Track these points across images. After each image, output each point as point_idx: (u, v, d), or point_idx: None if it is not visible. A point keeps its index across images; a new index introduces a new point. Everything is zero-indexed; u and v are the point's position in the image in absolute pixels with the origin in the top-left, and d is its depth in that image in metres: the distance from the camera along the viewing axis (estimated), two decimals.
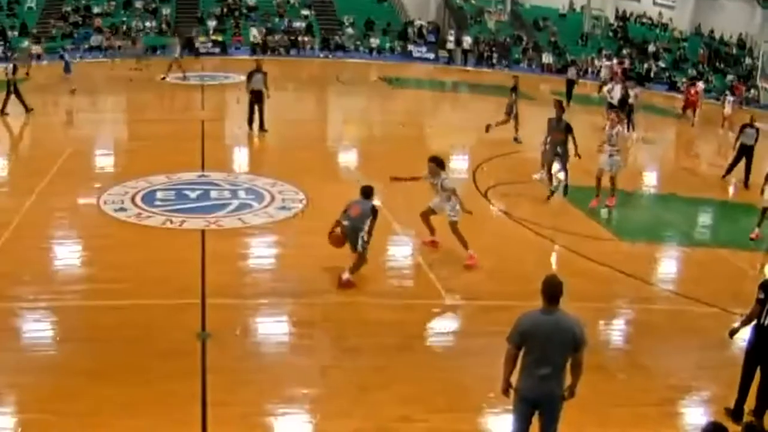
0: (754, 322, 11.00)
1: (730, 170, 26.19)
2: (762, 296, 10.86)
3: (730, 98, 39.37)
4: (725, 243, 18.38)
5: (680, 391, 12.07)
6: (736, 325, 11.58)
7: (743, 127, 27.03)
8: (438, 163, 16.35)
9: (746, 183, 25.58)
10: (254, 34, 52.91)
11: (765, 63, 52.21)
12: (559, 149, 21.18)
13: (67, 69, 37.66)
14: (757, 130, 26.64)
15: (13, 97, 29.79)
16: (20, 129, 29.32)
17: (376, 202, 15.50)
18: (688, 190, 24.45)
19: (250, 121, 27.76)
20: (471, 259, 16.19)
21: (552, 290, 8.66)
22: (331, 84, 43.40)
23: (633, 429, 10.76)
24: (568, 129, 21.18)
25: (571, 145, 21.20)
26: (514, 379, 8.91)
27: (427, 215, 16.80)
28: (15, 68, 30.54)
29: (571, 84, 40.06)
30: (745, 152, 26.13)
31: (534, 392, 8.76)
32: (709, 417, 10.46)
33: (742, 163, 25.86)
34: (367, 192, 15.30)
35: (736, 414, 11.02)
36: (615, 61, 51.53)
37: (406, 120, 33.83)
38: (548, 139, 21.49)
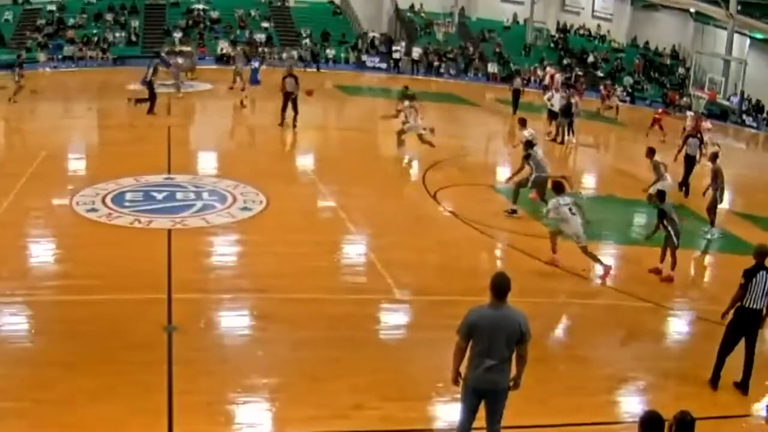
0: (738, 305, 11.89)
1: (685, 184, 25.74)
2: (744, 282, 11.74)
3: (690, 113, 39.32)
4: (658, 242, 18.66)
5: (617, 381, 12.24)
6: (726, 309, 12.20)
7: (687, 136, 27.45)
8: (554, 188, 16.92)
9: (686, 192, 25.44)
10: (222, 46, 52.65)
11: (697, 72, 52.87)
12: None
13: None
14: (701, 139, 26.96)
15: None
16: None
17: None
18: (626, 191, 24.70)
19: (283, 118, 30.23)
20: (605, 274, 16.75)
21: (500, 286, 8.72)
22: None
23: (574, 417, 10.84)
24: (529, 144, 21.18)
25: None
26: (462, 369, 8.97)
27: (555, 234, 16.95)
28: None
29: (517, 93, 40.18)
30: (689, 162, 26.28)
31: (481, 383, 8.81)
32: (645, 406, 10.61)
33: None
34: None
35: (714, 381, 12.08)
36: (550, 70, 51.78)
37: (360, 125, 33.91)
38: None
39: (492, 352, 8.68)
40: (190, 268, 15.30)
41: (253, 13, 56.40)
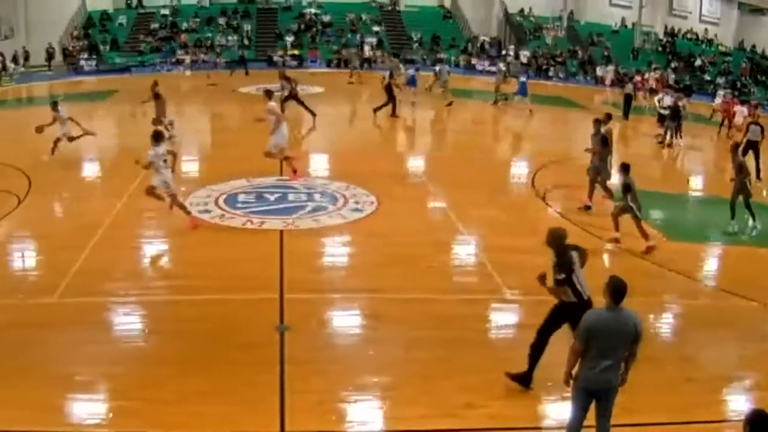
0: None
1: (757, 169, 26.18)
2: None
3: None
4: (765, 242, 17.91)
5: (724, 380, 11.82)
6: None
7: (749, 124, 28.26)
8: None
9: (759, 176, 25.75)
10: (366, 51, 53.29)
11: None
12: (597, 162, 20.57)
13: None
14: (762, 127, 27.45)
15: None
16: (111, 136, 29.69)
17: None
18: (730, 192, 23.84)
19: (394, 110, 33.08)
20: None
21: (617, 289, 8.64)
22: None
23: (681, 415, 10.53)
24: (604, 142, 20.63)
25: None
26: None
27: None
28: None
29: (628, 99, 39.49)
30: (752, 147, 26.71)
31: (595, 383, 8.73)
32: (751, 404, 10.34)
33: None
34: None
35: None
36: (654, 74, 50.68)
37: (470, 127, 33.72)
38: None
39: (609, 353, 8.63)
40: (302, 268, 15.31)
41: (364, 17, 56.72)
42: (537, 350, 10.86)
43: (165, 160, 17.47)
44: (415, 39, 55.59)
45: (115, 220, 18.04)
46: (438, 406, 10.36)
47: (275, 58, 51.83)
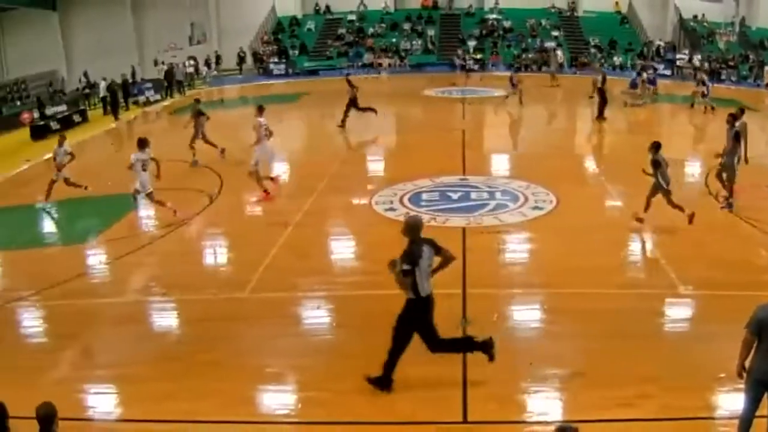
0: None
1: None
2: None
3: None
4: None
5: None
6: None
7: None
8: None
9: None
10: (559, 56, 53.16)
11: None
12: (726, 159, 19.67)
13: None
14: None
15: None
16: (300, 137, 30.50)
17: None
18: None
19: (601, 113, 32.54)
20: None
21: None
22: (582, 97, 42.44)
23: None
24: (736, 137, 19.67)
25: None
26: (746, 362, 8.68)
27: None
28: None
29: None
30: None
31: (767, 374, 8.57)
32: None
33: None
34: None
35: None
36: None
37: (648, 129, 32.88)
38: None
39: None
40: (483, 264, 15.36)
41: (543, 22, 56.44)
42: (394, 353, 10.56)
43: (144, 165, 18.68)
44: (592, 43, 54.96)
45: (303, 219, 18.57)
46: (612, 397, 10.34)
47: (457, 62, 52.10)
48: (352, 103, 31.29)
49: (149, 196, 18.90)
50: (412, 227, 10.61)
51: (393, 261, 10.35)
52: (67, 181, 21.11)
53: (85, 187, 21.15)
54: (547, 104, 39.84)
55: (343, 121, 31.19)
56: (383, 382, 10.58)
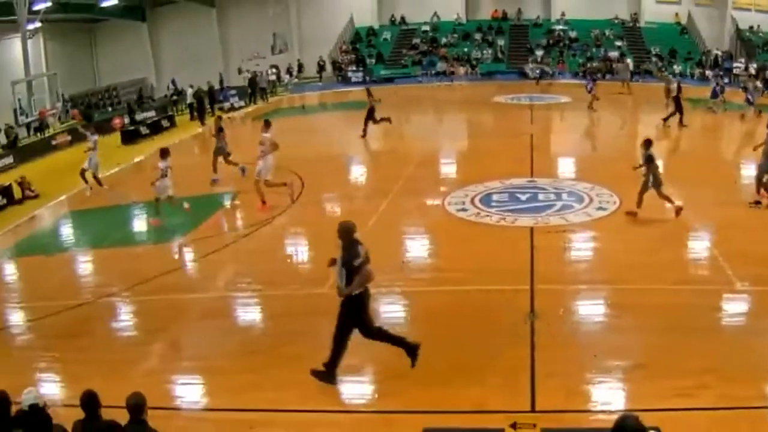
0: None
1: None
2: None
3: None
4: None
5: None
6: None
7: None
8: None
9: None
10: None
11: None
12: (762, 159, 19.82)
13: None
14: None
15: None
16: (377, 140, 31.42)
17: None
18: None
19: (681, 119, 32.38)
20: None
21: None
22: (653, 104, 42.40)
23: None
24: None
25: None
26: None
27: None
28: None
29: None
30: None
31: None
32: None
33: None
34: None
35: None
36: None
37: (699, 133, 32.95)
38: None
39: None
40: (550, 261, 15.82)
41: (607, 32, 56.59)
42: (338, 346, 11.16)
43: (166, 173, 20.58)
44: (653, 53, 54.97)
45: (379, 218, 19.24)
46: (673, 387, 10.60)
47: (527, 70, 52.52)
48: (370, 114, 31.62)
49: (170, 199, 20.77)
50: (349, 230, 11.22)
51: (333, 260, 11.29)
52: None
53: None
54: (617, 110, 39.90)
55: (364, 131, 31.41)
56: (329, 377, 11.22)
